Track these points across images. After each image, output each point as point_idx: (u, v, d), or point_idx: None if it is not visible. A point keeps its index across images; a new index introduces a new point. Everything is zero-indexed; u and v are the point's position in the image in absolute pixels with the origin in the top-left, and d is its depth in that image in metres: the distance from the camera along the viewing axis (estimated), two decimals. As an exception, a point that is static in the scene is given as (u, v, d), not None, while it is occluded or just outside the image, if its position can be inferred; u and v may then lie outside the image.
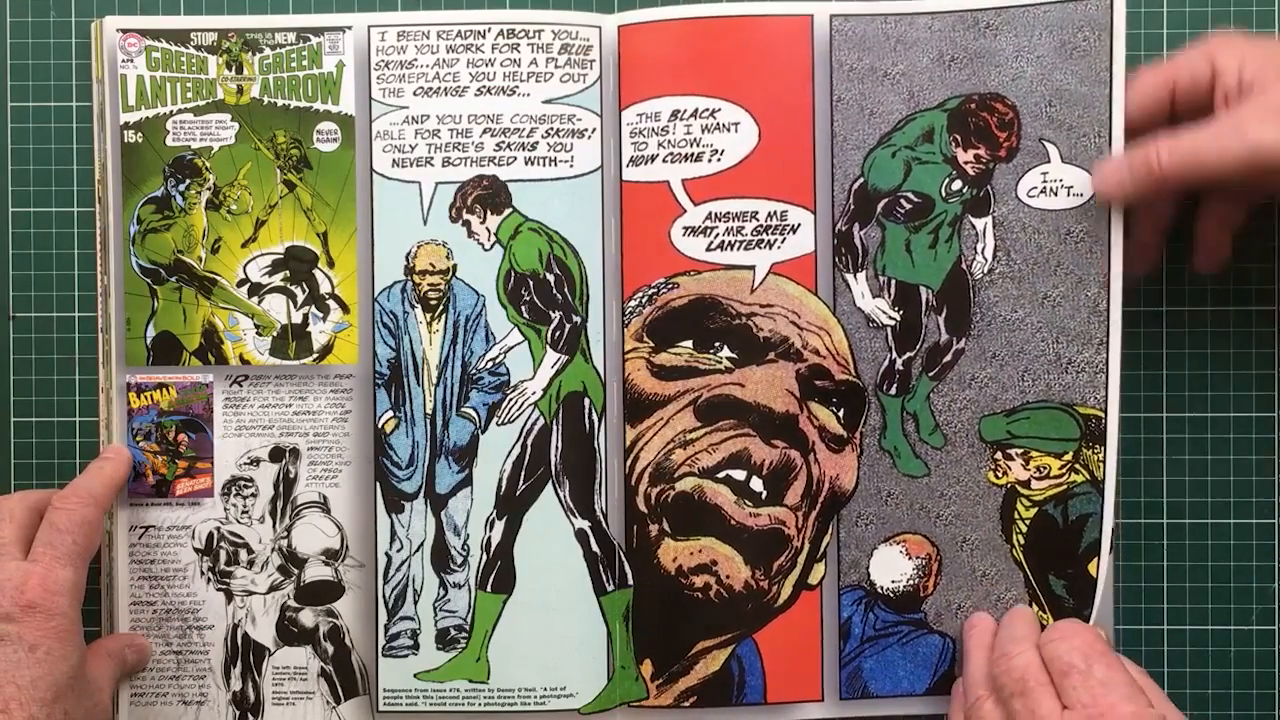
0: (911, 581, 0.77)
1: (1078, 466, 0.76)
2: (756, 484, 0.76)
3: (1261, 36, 0.76)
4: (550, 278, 0.77)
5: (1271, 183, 0.70)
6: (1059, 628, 0.71)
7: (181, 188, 0.77)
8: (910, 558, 0.77)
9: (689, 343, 0.76)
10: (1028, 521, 0.77)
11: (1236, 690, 0.78)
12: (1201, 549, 0.78)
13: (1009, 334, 0.76)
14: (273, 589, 0.78)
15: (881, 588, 0.77)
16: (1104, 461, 0.76)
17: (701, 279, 0.76)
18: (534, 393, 0.77)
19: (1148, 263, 0.78)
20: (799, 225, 0.76)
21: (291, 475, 0.78)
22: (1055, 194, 0.76)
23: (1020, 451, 0.77)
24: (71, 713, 0.67)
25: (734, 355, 0.76)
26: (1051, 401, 0.76)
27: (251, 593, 0.78)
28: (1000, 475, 0.77)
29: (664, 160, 0.76)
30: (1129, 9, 0.75)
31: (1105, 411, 0.76)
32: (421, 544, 0.77)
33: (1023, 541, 0.77)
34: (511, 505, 0.77)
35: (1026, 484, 0.77)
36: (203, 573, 0.78)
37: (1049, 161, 0.76)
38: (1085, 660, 0.67)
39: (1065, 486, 0.77)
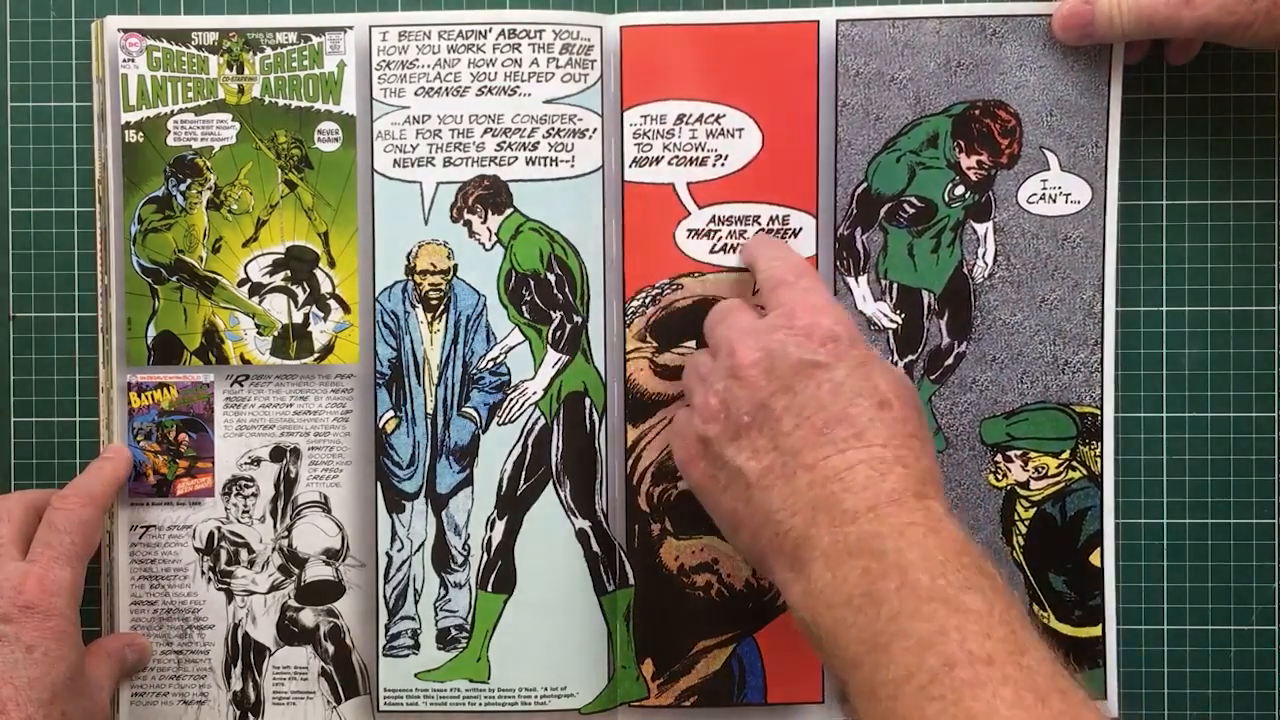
0: (914, 585, 0.77)
1: (1074, 464, 0.77)
2: (758, 484, 0.76)
3: None
4: (551, 278, 0.77)
5: (1227, 41, 0.72)
6: (765, 251, 0.72)
7: (182, 187, 0.77)
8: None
9: (693, 343, 0.76)
10: (1027, 522, 0.77)
11: (1236, 690, 0.78)
12: (1201, 549, 0.78)
13: (1008, 337, 0.77)
14: (273, 589, 0.78)
15: None
16: (1101, 456, 0.77)
17: (705, 280, 0.76)
18: (535, 392, 0.77)
19: (1183, 57, 0.78)
20: (800, 229, 0.76)
21: (292, 475, 0.78)
22: (1054, 201, 0.76)
23: (1019, 453, 0.77)
24: (70, 713, 0.67)
25: (736, 356, 0.76)
26: (1049, 402, 0.77)
27: (252, 592, 0.78)
28: (1000, 478, 0.77)
29: (669, 163, 0.76)
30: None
31: (1101, 408, 0.77)
32: (422, 544, 0.77)
33: (1022, 543, 0.77)
34: (512, 505, 0.77)
35: (1025, 485, 0.77)
36: (203, 572, 0.78)
37: (1049, 169, 0.76)
38: (795, 275, 0.68)
39: (1063, 484, 0.77)
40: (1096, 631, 0.76)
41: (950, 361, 0.77)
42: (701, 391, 0.67)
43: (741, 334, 0.66)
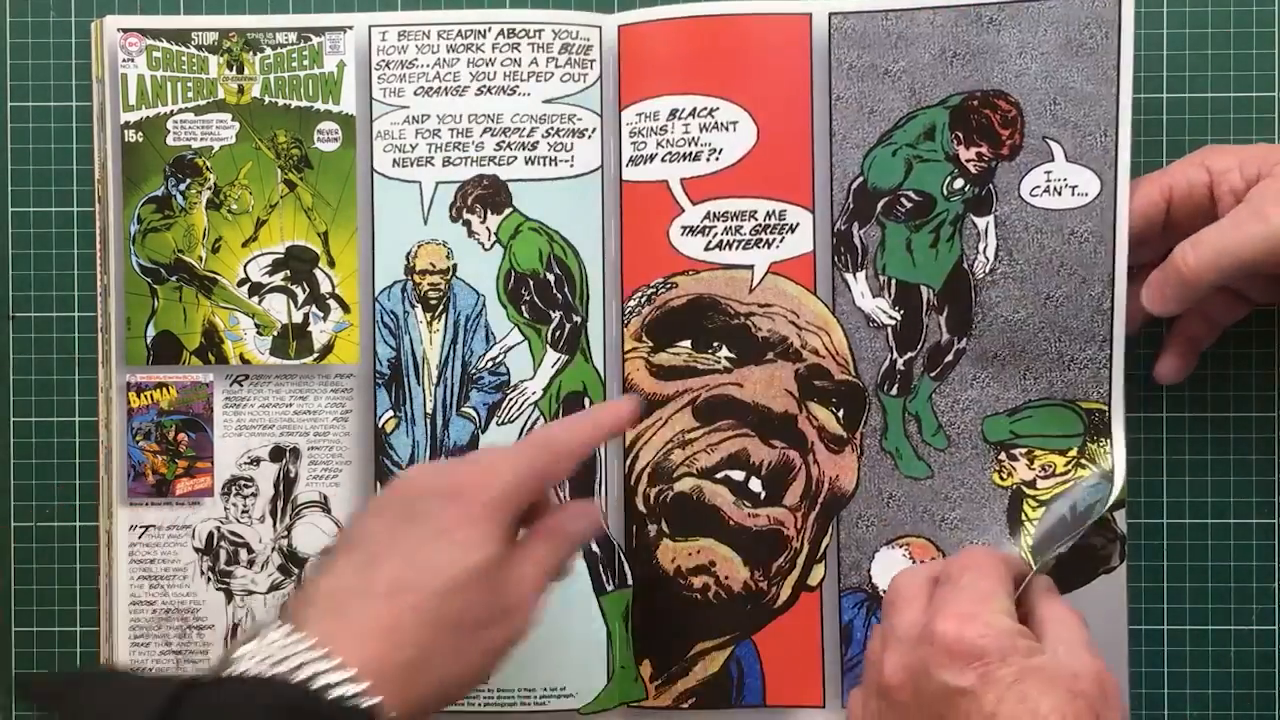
0: (916, 586, 0.76)
1: (1083, 461, 0.75)
2: (755, 484, 0.76)
3: (1248, 145, 0.74)
4: (550, 277, 0.77)
5: None
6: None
7: (182, 187, 0.77)
8: (914, 561, 0.76)
9: (687, 343, 0.76)
10: (1035, 523, 0.76)
11: (1236, 690, 0.78)
12: (1201, 549, 0.78)
13: (1011, 334, 0.75)
14: (273, 589, 0.78)
15: (884, 591, 0.76)
16: (1110, 452, 0.74)
17: (700, 279, 0.76)
18: (534, 393, 0.77)
19: (1176, 374, 0.76)
20: (797, 224, 0.76)
21: (292, 475, 0.78)
22: (1059, 193, 0.74)
23: (1024, 451, 0.76)
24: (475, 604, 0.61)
25: (732, 355, 0.76)
26: (1054, 399, 0.75)
27: (252, 592, 0.78)
28: (1005, 476, 0.76)
29: (663, 160, 0.76)
30: (1136, 7, 0.74)
31: (1109, 404, 0.75)
32: (421, 544, 0.77)
33: (1031, 544, 0.75)
34: (511, 505, 0.77)
35: (1032, 484, 0.76)
36: (203, 572, 0.78)
37: (1053, 160, 0.74)
38: (960, 569, 0.65)
39: (1072, 483, 0.75)
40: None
41: (950, 358, 0.76)
42: (860, 696, 0.66)
43: (892, 643, 0.63)
